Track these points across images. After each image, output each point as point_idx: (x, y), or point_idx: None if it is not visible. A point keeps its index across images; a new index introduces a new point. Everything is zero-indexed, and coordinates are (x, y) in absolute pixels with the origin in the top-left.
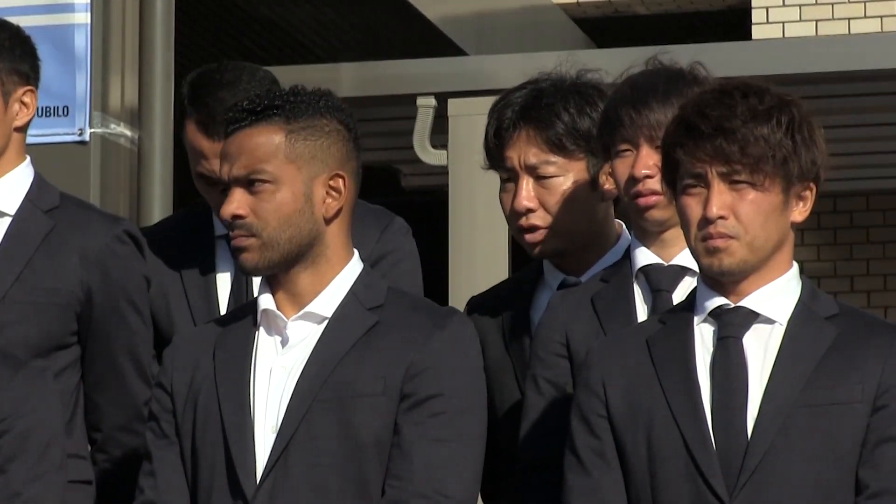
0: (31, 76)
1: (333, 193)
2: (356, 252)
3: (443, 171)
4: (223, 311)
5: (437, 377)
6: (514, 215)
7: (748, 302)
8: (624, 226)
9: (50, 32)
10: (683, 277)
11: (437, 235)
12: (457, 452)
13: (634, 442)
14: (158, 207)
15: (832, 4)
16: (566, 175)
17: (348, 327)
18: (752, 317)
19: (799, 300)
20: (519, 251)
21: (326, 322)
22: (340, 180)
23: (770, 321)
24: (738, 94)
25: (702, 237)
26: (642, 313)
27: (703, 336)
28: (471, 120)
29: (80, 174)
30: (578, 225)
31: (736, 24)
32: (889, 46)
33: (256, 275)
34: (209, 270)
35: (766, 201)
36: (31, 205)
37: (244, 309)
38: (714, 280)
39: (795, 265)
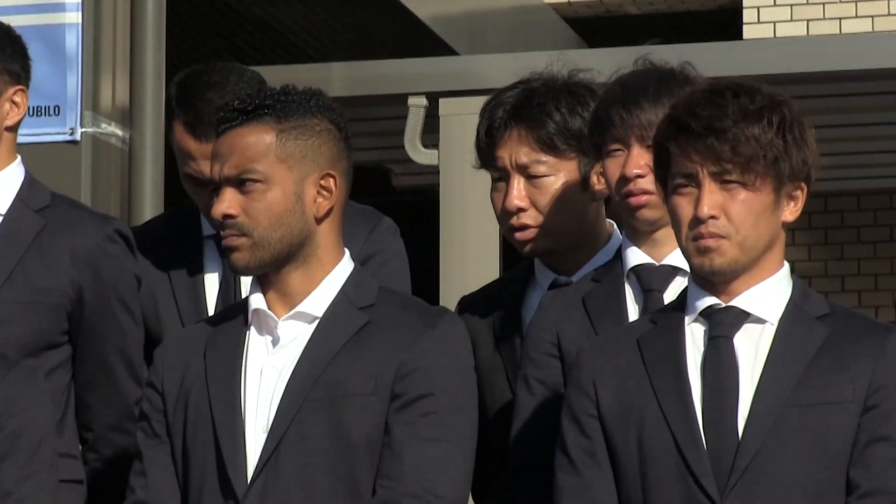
0: (21, 75)
1: (324, 193)
2: (347, 251)
3: (434, 170)
4: (211, 311)
5: (428, 377)
6: (505, 214)
7: (739, 302)
8: (615, 225)
9: (41, 32)
10: (675, 277)
11: (428, 235)
12: (448, 452)
13: (625, 441)
14: (149, 207)
15: (823, 4)
16: (557, 174)
17: (339, 327)
18: (743, 316)
19: (790, 300)
20: (510, 251)
21: (317, 322)
22: (331, 180)
23: (761, 321)
24: (730, 93)
25: (693, 237)
26: (633, 313)
27: (694, 336)
28: (462, 119)
29: (71, 174)
30: (569, 224)
31: (727, 24)
32: (880, 46)
33: (247, 274)
34: (197, 271)
35: (757, 201)
36: (22, 204)
37: (235, 308)
38: (705, 280)
39: (786, 265)
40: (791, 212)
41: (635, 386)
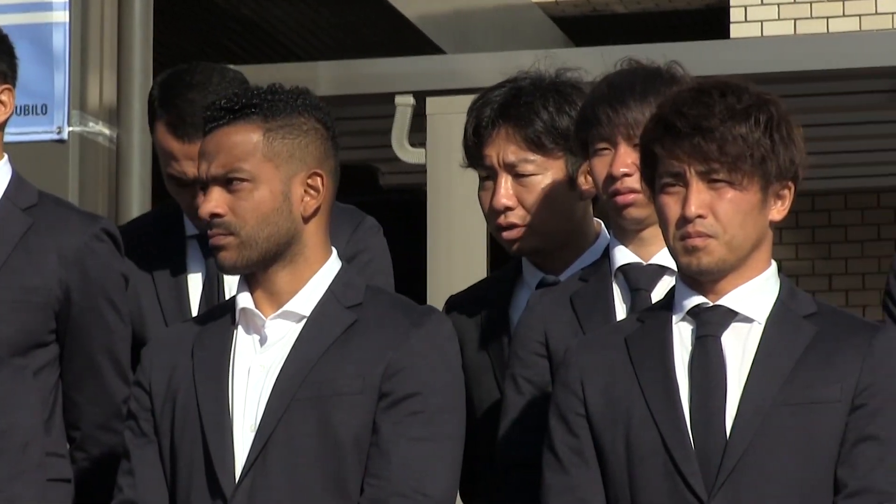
0: (8, 74)
1: (311, 192)
2: (334, 250)
3: (421, 169)
4: (195, 311)
5: (416, 376)
6: (492, 213)
7: (727, 301)
8: (603, 225)
9: (28, 31)
10: (662, 276)
11: (415, 234)
12: (435, 451)
13: (613, 440)
14: (136, 206)
15: (810, 3)
16: (545, 173)
17: (327, 326)
18: (730, 315)
19: (777, 299)
20: (497, 250)
21: (305, 321)
22: (318, 179)
23: (748, 320)
24: (717, 92)
25: (680, 236)
26: (621, 312)
27: (682, 335)
28: (449, 118)
29: (59, 173)
30: (557, 223)
31: (714, 23)
32: (867, 45)
33: (234, 273)
34: (180, 271)
35: (744, 200)
36: (9, 203)
37: (223, 308)
38: (692, 279)
39: (774, 264)
40: (778, 211)
41: (623, 385)
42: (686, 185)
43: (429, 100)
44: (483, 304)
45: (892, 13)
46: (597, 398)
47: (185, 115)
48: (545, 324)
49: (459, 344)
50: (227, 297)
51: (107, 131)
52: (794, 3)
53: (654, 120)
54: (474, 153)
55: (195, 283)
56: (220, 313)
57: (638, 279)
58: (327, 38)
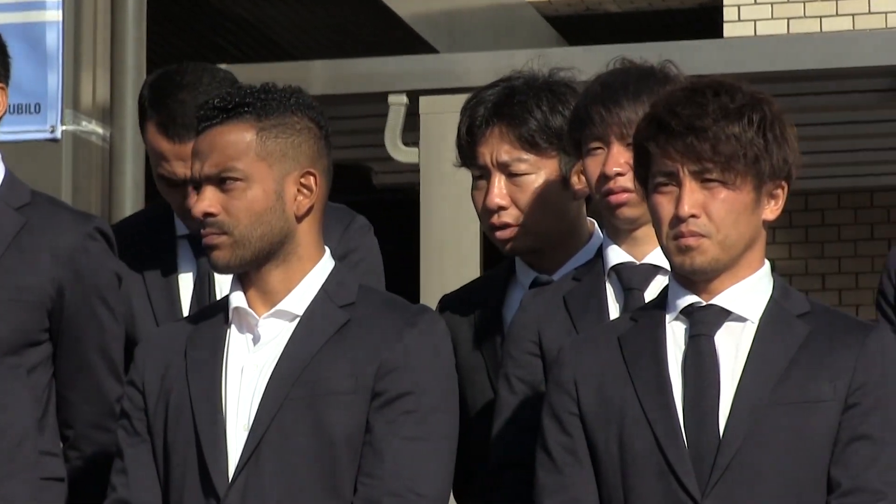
0: (1, 73)
1: (305, 191)
2: (328, 250)
3: (414, 168)
4: (186, 311)
5: (409, 375)
6: (485, 213)
7: (720, 300)
8: (596, 224)
9: (21, 30)
10: (655, 276)
11: (408, 233)
12: (429, 450)
13: (606, 440)
14: (130, 205)
15: (804, 3)
16: (538, 173)
17: (320, 325)
18: (723, 315)
19: (771, 298)
20: (491, 249)
21: (298, 320)
22: (312, 178)
23: (742, 319)
24: (710, 92)
25: (673, 235)
26: (614, 312)
27: (675, 334)
28: (442, 118)
29: (52, 171)
30: (550, 223)
31: (707, 22)
32: (861, 44)
33: (228, 272)
34: (171, 271)
35: (737, 200)
36: (2, 202)
37: (216, 307)
38: (686, 278)
39: (767, 263)
40: (772, 210)
41: (616, 384)
42: (679, 184)
43: (422, 99)
44: (476, 303)
45: (886, 12)
46: (590, 397)
47: (175, 115)
48: (538, 323)
49: (453, 343)
50: (219, 297)
51: (100, 130)
52: (788, 2)
53: (648, 119)
54: (468, 152)
55: (186, 282)
56: (213, 312)
57: (631, 279)
58: (320, 37)
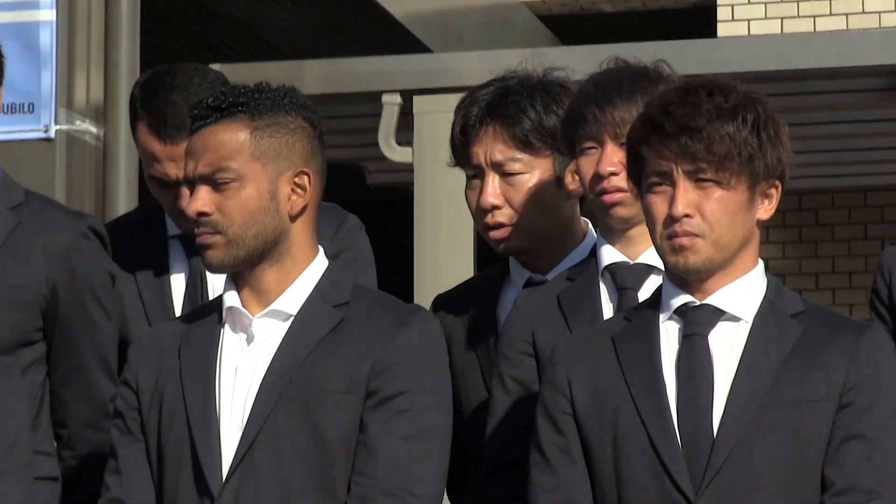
0: None
1: (298, 191)
2: (321, 249)
3: (408, 168)
4: (178, 311)
5: (403, 374)
6: (479, 212)
7: (714, 299)
8: (590, 224)
9: (15, 29)
10: (649, 275)
11: (402, 233)
12: (422, 450)
13: (600, 439)
14: (123, 204)
15: (797, 2)
16: (532, 172)
17: (314, 325)
18: (717, 314)
19: (764, 298)
20: (484, 249)
21: (292, 319)
22: (305, 177)
23: (736, 319)
24: (704, 92)
25: (667, 235)
26: (608, 311)
27: (669, 334)
28: (436, 117)
29: (46, 171)
30: (544, 222)
31: (701, 22)
32: (854, 44)
33: (221, 272)
34: (163, 271)
35: (731, 199)
36: None
37: (209, 306)
38: (680, 278)
39: (761, 263)
40: (765, 210)
41: (610, 383)
42: (673, 184)
43: (416, 98)
44: (470, 303)
45: (879, 12)
46: (584, 397)
47: (167, 116)
48: (532, 323)
49: (447, 343)
50: (211, 297)
51: (94, 129)
52: (781, 1)
53: (642, 119)
54: (461, 152)
55: (178, 283)
56: (207, 312)
57: (625, 278)
58: (314, 36)
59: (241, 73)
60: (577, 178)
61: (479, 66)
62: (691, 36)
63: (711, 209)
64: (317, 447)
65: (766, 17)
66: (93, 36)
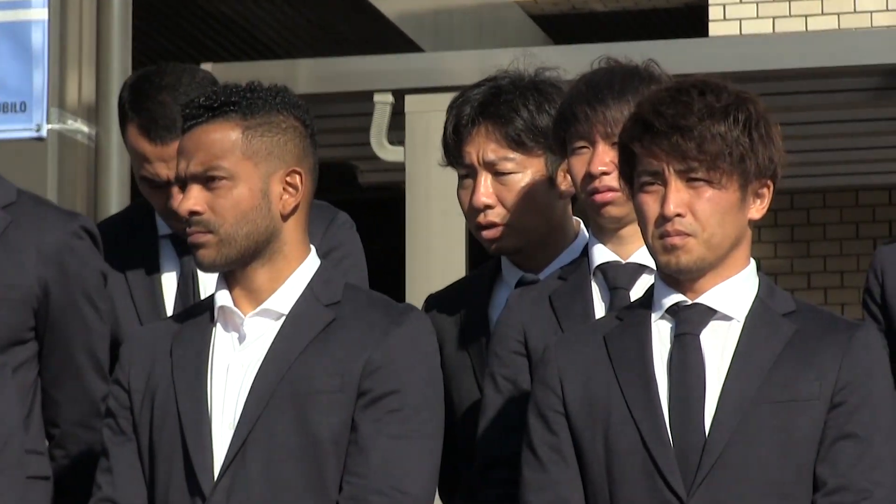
0: None
1: (290, 190)
2: (313, 248)
3: (400, 167)
4: (169, 311)
5: (395, 374)
6: (472, 212)
7: (705, 299)
8: (582, 223)
9: (7, 28)
10: (641, 275)
11: (394, 232)
12: (414, 449)
13: (592, 438)
14: (115, 203)
15: (789, 1)
16: (524, 172)
17: (305, 324)
18: (709, 313)
19: (756, 297)
20: (476, 248)
21: (283, 318)
22: (297, 177)
23: (727, 318)
24: (695, 91)
25: (659, 235)
26: (600, 311)
27: (661, 333)
28: (428, 116)
29: (38, 170)
30: (536, 222)
31: (693, 21)
32: (846, 44)
33: (213, 271)
34: (154, 270)
35: (723, 199)
36: None
37: (201, 306)
38: (671, 277)
39: (753, 262)
40: (757, 209)
41: (602, 383)
42: (665, 183)
43: (408, 98)
44: (462, 302)
45: (871, 11)
46: (576, 396)
47: (156, 117)
48: (524, 322)
49: (439, 342)
50: (203, 297)
51: (86, 129)
52: (773, 1)
53: (633, 119)
54: (454, 151)
55: (169, 282)
56: (199, 311)
57: (617, 277)
58: (306, 35)
59: (233, 73)
60: (568, 177)
61: (471, 65)
62: (683, 35)
63: (703, 209)
64: (308, 446)
65: (757, 17)
66: (85, 35)
